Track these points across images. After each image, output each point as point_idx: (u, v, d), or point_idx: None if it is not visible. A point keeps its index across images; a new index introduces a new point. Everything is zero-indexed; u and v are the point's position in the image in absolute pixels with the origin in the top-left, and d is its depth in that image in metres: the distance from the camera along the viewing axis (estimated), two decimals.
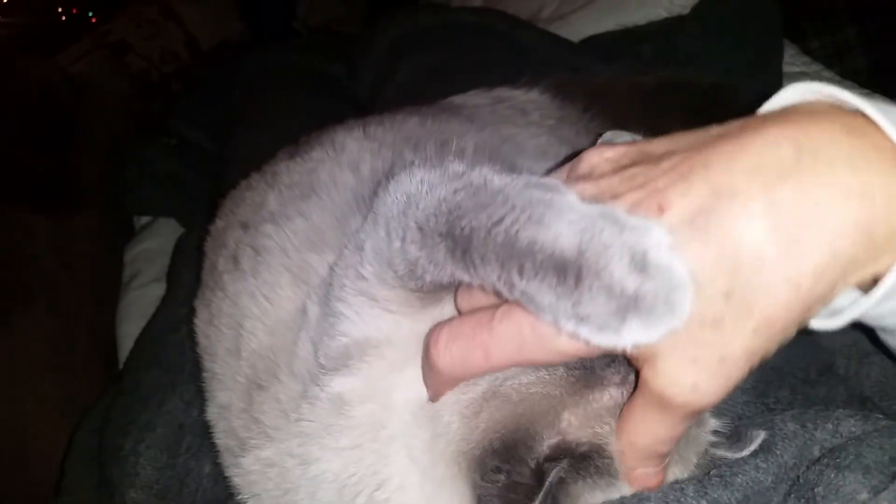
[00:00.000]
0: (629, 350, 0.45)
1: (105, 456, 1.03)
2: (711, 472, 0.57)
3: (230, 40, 2.33)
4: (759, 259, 0.44)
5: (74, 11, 2.73)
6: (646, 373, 0.48)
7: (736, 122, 0.50)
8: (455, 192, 0.52)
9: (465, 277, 0.51)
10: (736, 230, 0.44)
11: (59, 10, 2.73)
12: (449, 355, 0.54)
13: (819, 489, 0.53)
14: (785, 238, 0.44)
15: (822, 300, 0.46)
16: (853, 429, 0.61)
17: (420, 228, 0.52)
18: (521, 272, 0.46)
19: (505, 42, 1.48)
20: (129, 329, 1.43)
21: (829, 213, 0.44)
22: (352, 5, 2.43)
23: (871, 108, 0.46)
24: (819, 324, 0.49)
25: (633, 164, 0.51)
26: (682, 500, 0.55)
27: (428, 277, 0.54)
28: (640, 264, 0.43)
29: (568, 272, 0.44)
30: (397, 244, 0.54)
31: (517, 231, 0.47)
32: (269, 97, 1.56)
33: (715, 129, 0.51)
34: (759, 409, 0.78)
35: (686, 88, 1.23)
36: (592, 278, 0.44)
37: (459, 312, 0.57)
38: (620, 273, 0.43)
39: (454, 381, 0.57)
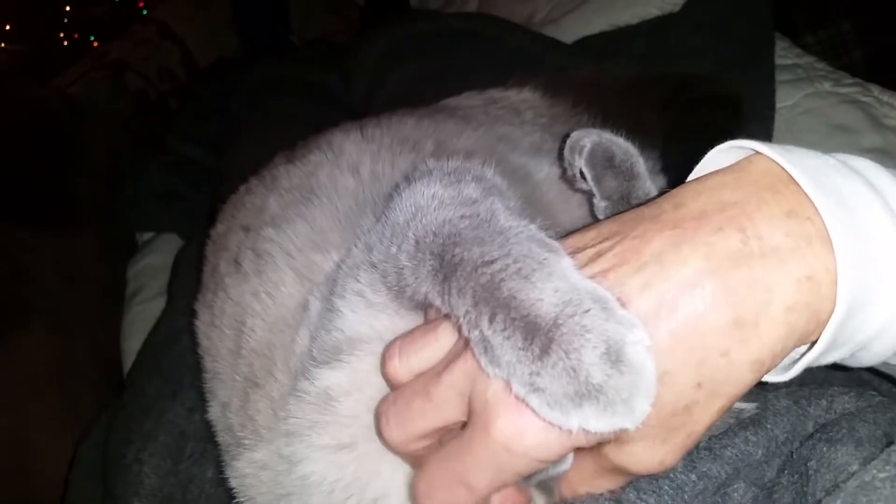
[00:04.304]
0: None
1: (108, 466, 1.03)
2: (700, 446, 0.57)
3: (226, 56, 2.34)
4: (725, 346, 0.46)
5: (76, 36, 2.76)
6: (608, 449, 0.49)
7: (667, 201, 0.52)
8: (461, 217, 0.52)
9: (437, 301, 0.50)
10: (701, 322, 0.46)
11: (61, 35, 2.76)
12: (397, 430, 0.54)
13: (812, 463, 0.54)
14: (745, 323, 0.46)
15: (776, 365, 0.49)
16: (847, 405, 0.61)
17: (417, 242, 0.53)
18: (490, 319, 0.46)
19: (495, 46, 1.49)
20: (134, 344, 1.43)
21: (781, 295, 0.46)
22: (345, 17, 2.45)
23: (798, 170, 0.48)
24: (770, 378, 0.52)
25: (576, 252, 0.52)
26: (672, 474, 0.55)
27: (408, 292, 0.54)
28: (615, 357, 0.42)
29: (536, 338, 0.44)
30: (394, 249, 0.55)
31: (502, 280, 0.46)
32: (266, 108, 1.57)
33: (648, 211, 0.52)
34: (755, 393, 0.77)
35: (669, 80, 1.24)
36: (560, 355, 0.43)
37: None
38: (590, 360, 0.42)
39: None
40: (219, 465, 0.78)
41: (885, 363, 0.53)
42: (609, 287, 0.46)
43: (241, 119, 1.58)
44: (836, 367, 0.82)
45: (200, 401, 0.84)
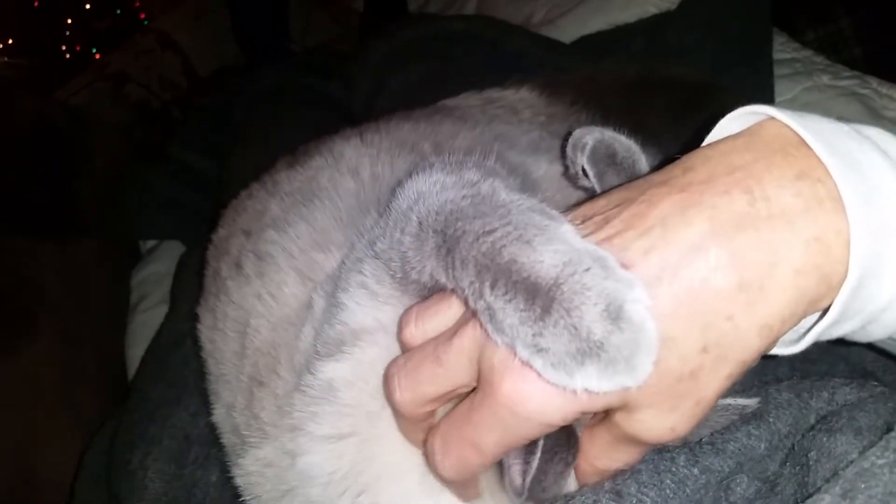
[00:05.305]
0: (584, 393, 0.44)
1: (113, 472, 1.03)
2: (703, 441, 0.57)
3: (227, 65, 2.35)
4: (730, 311, 0.45)
5: (78, 49, 2.78)
6: (619, 417, 0.49)
7: (677, 166, 0.51)
8: (463, 197, 0.52)
9: (442, 277, 0.51)
10: (705, 286, 0.45)
11: (64, 47, 2.78)
12: (407, 394, 0.54)
13: (812, 454, 0.53)
14: (751, 287, 0.45)
15: (786, 332, 0.48)
16: (848, 396, 0.61)
17: (419, 222, 0.53)
18: (493, 286, 0.46)
19: (494, 47, 1.49)
20: (139, 352, 1.43)
21: (789, 258, 0.45)
22: (345, 24, 2.45)
23: (810, 133, 0.47)
24: (779, 350, 0.51)
25: (585, 220, 0.52)
26: (674, 468, 0.55)
27: (413, 274, 0.54)
28: (614, 314, 0.42)
29: (537, 299, 0.44)
30: (397, 234, 0.55)
31: (503, 246, 0.47)
32: (268, 115, 1.58)
33: (658, 177, 0.51)
34: (758, 387, 0.77)
35: (668, 83, 1.24)
36: (561, 313, 0.43)
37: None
38: (591, 317, 0.42)
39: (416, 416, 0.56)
40: (223, 469, 0.78)
41: (893, 339, 0.52)
42: (613, 252, 0.46)
43: (243, 126, 1.59)
44: (845, 351, 0.83)
45: (204, 405, 0.84)
